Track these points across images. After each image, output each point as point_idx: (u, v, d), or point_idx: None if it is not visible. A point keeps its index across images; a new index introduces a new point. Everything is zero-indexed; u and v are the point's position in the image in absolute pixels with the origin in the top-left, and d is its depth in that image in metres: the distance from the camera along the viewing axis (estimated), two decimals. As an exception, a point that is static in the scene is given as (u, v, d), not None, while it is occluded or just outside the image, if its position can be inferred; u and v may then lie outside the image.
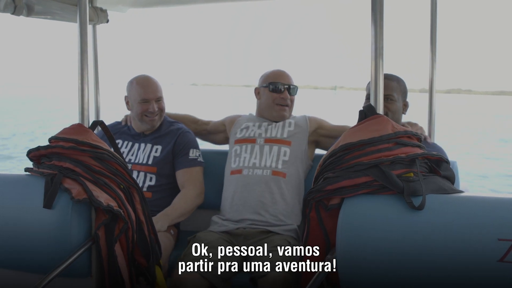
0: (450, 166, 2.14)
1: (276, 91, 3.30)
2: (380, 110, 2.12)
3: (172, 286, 2.70)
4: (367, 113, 2.11)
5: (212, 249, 2.89)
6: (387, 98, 2.91)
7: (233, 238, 3.02)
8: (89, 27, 3.32)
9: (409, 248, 1.84)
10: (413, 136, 2.08)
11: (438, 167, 2.07)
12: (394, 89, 2.94)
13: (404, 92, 2.99)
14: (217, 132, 3.53)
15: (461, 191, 2.04)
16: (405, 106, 3.00)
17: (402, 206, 1.88)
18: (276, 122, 3.34)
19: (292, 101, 3.35)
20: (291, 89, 3.32)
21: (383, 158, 1.97)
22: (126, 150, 3.30)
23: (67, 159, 2.31)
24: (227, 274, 2.85)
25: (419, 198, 1.89)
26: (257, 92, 3.41)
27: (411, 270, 1.84)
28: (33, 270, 2.32)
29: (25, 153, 2.46)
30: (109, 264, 2.29)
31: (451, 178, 2.08)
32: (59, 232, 2.24)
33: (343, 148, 2.03)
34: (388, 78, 2.97)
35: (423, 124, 3.09)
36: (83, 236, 2.27)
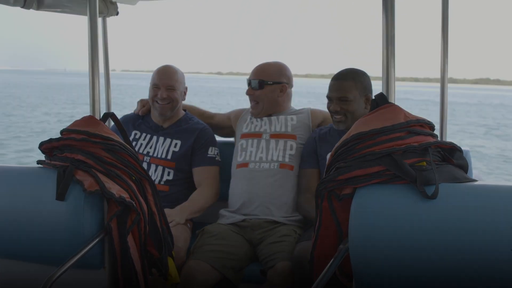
0: (463, 155, 2.12)
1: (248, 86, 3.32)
2: (392, 99, 2.10)
3: (184, 278, 2.71)
4: (378, 102, 2.09)
5: (222, 240, 2.90)
6: (341, 99, 2.88)
7: (240, 229, 3.03)
8: (99, 20, 3.32)
9: (422, 237, 1.83)
10: (425, 125, 2.07)
11: (451, 156, 2.06)
12: (349, 89, 2.88)
13: (363, 88, 2.91)
14: (222, 127, 3.52)
15: (475, 180, 2.02)
16: (368, 100, 2.92)
17: (415, 195, 1.87)
18: (270, 116, 3.30)
19: (258, 96, 3.26)
20: (251, 84, 3.28)
21: (395, 147, 1.96)
22: (144, 143, 3.30)
23: (79, 151, 2.31)
24: (239, 265, 2.86)
25: (432, 187, 1.88)
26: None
27: (423, 259, 1.83)
28: (47, 262, 2.34)
29: None
30: (121, 255, 2.30)
31: (464, 166, 2.07)
32: (72, 224, 2.25)
33: (354, 137, 2.01)
34: (342, 78, 2.92)
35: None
36: (95, 228, 2.28)
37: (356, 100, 2.90)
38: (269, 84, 3.25)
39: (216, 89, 63.51)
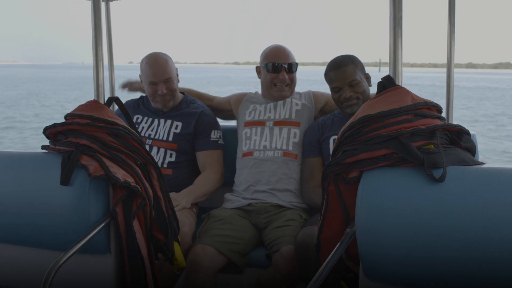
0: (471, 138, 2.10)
1: (273, 71, 3.23)
2: (399, 81, 2.08)
3: (190, 262, 2.72)
4: (386, 84, 2.07)
5: (228, 224, 2.90)
6: (351, 84, 2.93)
7: (246, 214, 3.03)
8: (102, 4, 3.30)
9: (429, 220, 1.82)
10: (433, 107, 2.05)
11: (459, 139, 2.04)
12: (353, 72, 2.94)
13: (362, 68, 3.00)
14: (222, 109, 3.50)
15: (482, 163, 2.01)
16: (368, 79, 3.03)
17: (423, 178, 1.86)
18: (280, 101, 3.29)
19: (292, 79, 3.26)
20: (288, 68, 3.24)
21: (402, 130, 1.94)
22: (146, 126, 3.29)
23: (83, 135, 2.30)
24: (245, 250, 2.87)
25: (439, 170, 1.86)
26: (258, 70, 3.36)
27: (431, 242, 1.82)
28: (52, 247, 2.34)
29: None
30: (127, 240, 2.30)
31: (471, 149, 2.05)
32: (77, 209, 2.24)
33: (361, 120, 1.99)
34: (343, 65, 2.95)
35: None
36: (101, 213, 2.27)
37: (362, 80, 2.97)
38: (297, 65, 3.28)
39: (245, 79, 62.66)
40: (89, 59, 2.42)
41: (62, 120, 2.38)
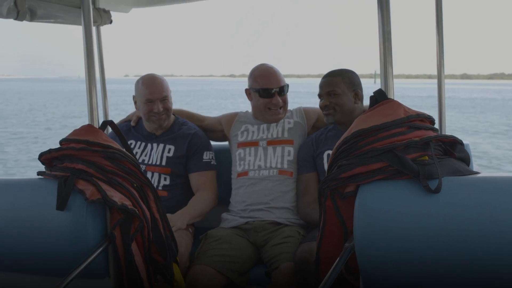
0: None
1: (266, 96, 3.22)
2: (391, 94, 2.10)
3: (190, 283, 2.71)
4: (378, 98, 2.09)
5: (226, 244, 2.90)
6: (329, 94, 2.98)
7: (244, 232, 3.02)
8: (93, 29, 3.32)
9: (427, 231, 1.83)
10: (425, 119, 2.07)
11: (453, 149, 2.06)
12: (336, 84, 2.98)
13: (351, 83, 3.00)
14: (213, 130, 3.47)
15: (477, 172, 2.02)
16: (357, 95, 3.02)
17: (419, 190, 1.87)
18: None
19: (284, 100, 3.26)
20: (280, 91, 3.22)
21: (396, 142, 1.95)
22: (139, 151, 3.29)
23: (79, 160, 2.31)
24: (243, 268, 2.86)
25: (435, 181, 1.87)
26: (248, 93, 3.34)
27: (429, 253, 1.82)
28: (51, 273, 2.32)
29: None
30: (126, 263, 2.29)
31: (466, 159, 2.06)
32: (75, 233, 2.24)
33: (355, 134, 2.01)
34: (330, 75, 3.02)
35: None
36: (99, 237, 2.27)
37: (345, 94, 2.98)
38: (288, 86, 3.28)
39: (242, 91, 62.07)
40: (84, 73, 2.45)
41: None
